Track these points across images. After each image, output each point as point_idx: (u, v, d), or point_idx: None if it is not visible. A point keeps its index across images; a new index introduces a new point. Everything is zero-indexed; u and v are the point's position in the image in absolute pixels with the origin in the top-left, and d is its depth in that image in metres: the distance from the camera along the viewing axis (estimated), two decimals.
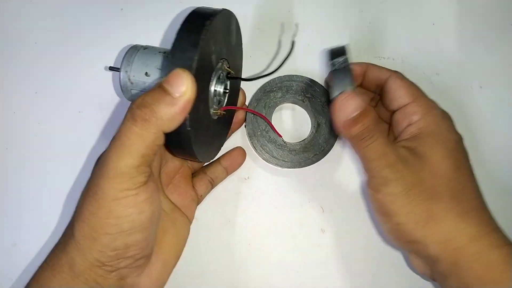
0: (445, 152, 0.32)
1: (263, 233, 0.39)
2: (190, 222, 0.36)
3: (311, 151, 0.40)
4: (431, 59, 0.44)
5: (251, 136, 0.40)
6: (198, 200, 0.38)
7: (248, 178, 0.40)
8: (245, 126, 0.41)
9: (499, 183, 0.41)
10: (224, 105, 0.36)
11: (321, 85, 0.41)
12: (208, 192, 0.39)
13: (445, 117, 0.35)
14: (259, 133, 0.40)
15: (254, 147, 0.40)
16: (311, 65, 0.43)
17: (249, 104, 0.41)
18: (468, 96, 0.43)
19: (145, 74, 0.33)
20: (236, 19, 0.35)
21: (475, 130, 0.42)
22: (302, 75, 0.41)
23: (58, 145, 0.41)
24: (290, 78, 0.41)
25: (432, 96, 0.43)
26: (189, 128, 0.28)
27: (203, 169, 0.39)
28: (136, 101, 0.27)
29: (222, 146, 0.39)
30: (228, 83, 0.35)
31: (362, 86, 0.39)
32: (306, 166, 0.40)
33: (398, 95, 0.35)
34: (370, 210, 0.40)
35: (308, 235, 0.39)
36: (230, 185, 0.40)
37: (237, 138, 0.41)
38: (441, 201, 0.31)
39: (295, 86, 0.41)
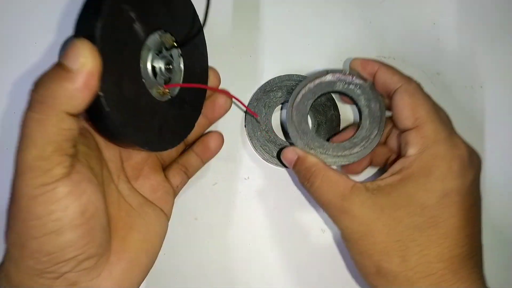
0: (417, 208, 0.28)
1: (263, 233, 0.39)
2: (167, 216, 0.33)
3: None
4: (431, 59, 0.44)
5: (251, 136, 0.40)
6: (174, 192, 0.35)
7: (248, 178, 0.40)
8: (245, 126, 0.41)
9: (499, 184, 0.41)
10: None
11: None
12: (184, 183, 0.36)
13: (448, 156, 0.29)
14: (259, 133, 0.40)
15: (254, 147, 0.40)
16: (311, 65, 0.43)
17: (249, 103, 0.41)
18: (468, 96, 0.43)
19: None
20: None
21: (476, 130, 0.42)
22: (302, 74, 0.41)
23: None
24: (290, 77, 0.41)
25: (433, 95, 0.43)
26: (107, 109, 0.24)
27: (176, 159, 0.37)
28: (33, 84, 0.23)
29: (188, 133, 0.34)
30: (180, 60, 0.32)
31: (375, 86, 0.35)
32: None
33: (402, 117, 0.31)
34: None
35: (308, 235, 0.39)
36: (230, 185, 0.40)
37: (237, 138, 0.41)
38: (391, 261, 0.29)
39: (295, 86, 0.41)
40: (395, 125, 0.33)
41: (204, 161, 0.38)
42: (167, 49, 0.30)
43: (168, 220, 0.34)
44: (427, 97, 0.32)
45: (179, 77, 0.32)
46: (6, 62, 0.43)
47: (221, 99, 0.37)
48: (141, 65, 0.28)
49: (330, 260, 0.39)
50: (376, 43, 0.44)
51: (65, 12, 0.45)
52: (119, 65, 0.25)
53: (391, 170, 0.31)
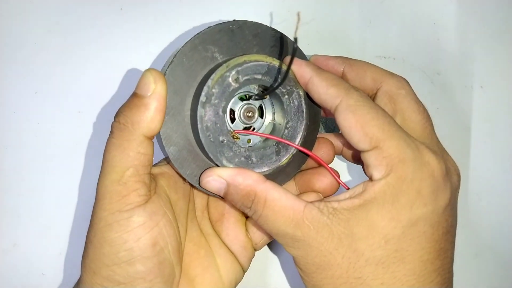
0: (381, 240, 0.24)
1: None
2: (243, 270, 0.31)
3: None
4: (432, 59, 0.44)
5: None
6: (254, 247, 0.32)
7: None
8: None
9: (498, 183, 0.41)
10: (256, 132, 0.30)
11: None
12: (266, 241, 0.32)
13: (417, 177, 0.24)
14: None
15: None
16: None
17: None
18: (469, 96, 0.43)
19: None
20: (276, 31, 0.30)
21: (476, 130, 0.42)
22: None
23: (58, 145, 0.41)
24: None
25: (433, 96, 0.43)
26: (162, 139, 0.26)
27: None
28: (115, 116, 0.26)
29: None
30: (274, 112, 0.31)
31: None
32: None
33: (353, 140, 0.26)
34: None
35: None
36: None
37: None
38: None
39: None
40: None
41: None
42: (256, 98, 0.29)
43: (244, 273, 0.31)
44: (376, 108, 0.26)
45: (267, 131, 0.31)
46: (6, 62, 0.43)
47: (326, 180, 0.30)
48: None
49: None
50: (376, 43, 0.44)
51: (65, 12, 0.45)
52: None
53: (351, 191, 0.26)
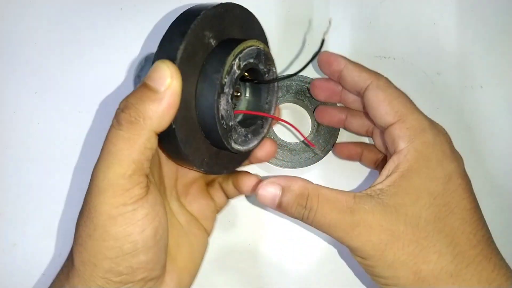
0: (430, 199, 0.27)
1: (263, 234, 0.39)
2: (209, 235, 0.33)
3: (311, 151, 0.40)
4: (432, 59, 0.44)
5: None
6: (217, 211, 0.34)
7: None
8: None
9: (499, 184, 0.41)
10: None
11: None
12: (226, 204, 0.35)
13: (438, 141, 0.29)
14: None
15: None
16: (311, 64, 0.43)
17: None
18: (469, 96, 0.43)
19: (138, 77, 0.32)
20: (250, 13, 0.32)
21: (476, 130, 0.42)
22: (302, 74, 0.41)
23: (58, 145, 0.41)
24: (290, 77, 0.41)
25: (433, 95, 0.43)
26: (174, 126, 0.25)
27: (218, 181, 0.35)
28: (120, 104, 0.24)
29: (243, 161, 0.33)
30: (247, 88, 0.32)
31: (341, 85, 0.34)
32: (306, 166, 0.39)
33: (380, 113, 0.30)
34: None
35: (308, 235, 0.39)
36: None
37: None
38: (429, 260, 0.26)
39: (295, 86, 0.41)
40: (374, 124, 0.32)
41: (239, 194, 0.35)
42: (241, 79, 0.30)
43: (209, 238, 0.33)
44: (399, 91, 0.31)
45: (244, 106, 0.32)
46: (6, 62, 0.43)
47: (267, 144, 0.33)
48: None
49: (330, 260, 0.39)
50: (376, 43, 0.44)
51: (65, 12, 0.45)
52: (188, 85, 0.26)
53: (385, 171, 0.29)
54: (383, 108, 0.30)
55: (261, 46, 0.29)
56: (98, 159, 0.24)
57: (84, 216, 0.24)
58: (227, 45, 0.28)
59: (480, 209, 0.29)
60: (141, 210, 0.24)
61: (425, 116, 0.30)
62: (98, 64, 0.43)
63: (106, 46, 0.44)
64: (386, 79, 0.31)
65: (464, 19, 0.45)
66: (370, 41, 0.44)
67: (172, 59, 0.25)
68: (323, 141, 0.40)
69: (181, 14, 0.28)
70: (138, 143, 0.23)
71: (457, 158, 0.29)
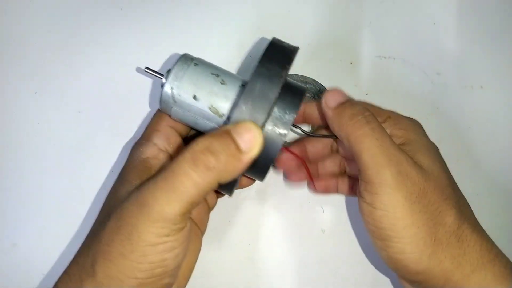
0: (438, 162, 0.28)
1: (263, 233, 0.39)
2: (203, 234, 0.34)
3: None
4: (432, 59, 0.44)
5: None
6: (210, 210, 0.35)
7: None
8: None
9: (498, 184, 0.41)
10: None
11: (322, 85, 0.41)
12: (216, 203, 0.36)
13: (417, 124, 0.31)
14: None
15: None
16: (311, 64, 0.43)
17: None
18: (469, 96, 0.43)
19: (193, 97, 0.30)
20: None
21: (476, 130, 0.42)
22: (302, 74, 0.41)
23: (57, 145, 0.41)
24: (290, 77, 0.41)
25: (433, 95, 0.43)
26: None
27: None
28: (200, 143, 0.24)
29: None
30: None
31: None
32: None
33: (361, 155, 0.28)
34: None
35: (308, 235, 0.39)
36: None
37: None
38: (445, 222, 0.26)
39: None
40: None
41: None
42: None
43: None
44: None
45: None
46: (6, 62, 0.43)
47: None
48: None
49: (330, 260, 0.39)
50: (376, 43, 0.44)
51: (65, 12, 0.45)
52: None
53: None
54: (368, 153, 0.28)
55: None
56: (157, 187, 0.24)
57: (121, 235, 0.24)
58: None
59: (456, 189, 0.30)
60: (180, 240, 0.25)
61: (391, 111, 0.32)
62: (98, 64, 0.43)
63: (106, 46, 0.44)
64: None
65: (464, 19, 0.45)
66: (370, 41, 0.44)
67: (260, 124, 0.26)
68: None
69: (267, 56, 0.29)
70: (204, 189, 0.24)
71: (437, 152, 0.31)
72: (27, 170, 0.41)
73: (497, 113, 0.43)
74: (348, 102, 0.29)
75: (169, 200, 0.24)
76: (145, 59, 0.43)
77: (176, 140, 0.32)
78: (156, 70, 0.32)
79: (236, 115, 0.27)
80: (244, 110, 0.27)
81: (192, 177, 0.24)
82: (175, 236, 0.25)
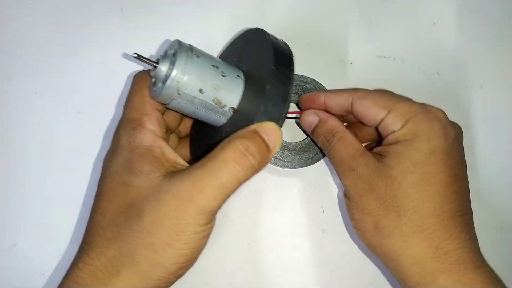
0: (409, 165, 0.30)
1: (263, 233, 0.39)
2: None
3: (311, 151, 0.40)
4: (432, 59, 0.44)
5: None
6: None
7: None
8: None
9: (499, 184, 0.41)
10: None
11: (322, 85, 0.41)
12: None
13: (428, 123, 0.31)
14: None
15: None
16: (311, 64, 0.43)
17: None
18: (469, 96, 0.43)
19: (199, 90, 0.30)
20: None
21: (476, 130, 0.42)
22: (302, 74, 0.41)
23: (57, 145, 0.41)
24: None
25: (433, 95, 0.43)
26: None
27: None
28: (240, 145, 0.28)
29: None
30: None
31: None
32: (306, 166, 0.39)
33: (371, 114, 0.33)
34: None
35: (308, 235, 0.39)
36: None
37: None
38: (388, 216, 0.30)
39: (295, 86, 0.41)
40: (366, 125, 0.35)
41: None
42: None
43: None
44: (380, 90, 0.35)
45: None
46: (6, 62, 0.43)
47: None
48: None
49: (330, 260, 0.39)
50: (376, 43, 0.44)
51: (65, 12, 0.45)
52: None
53: (383, 143, 0.33)
54: (372, 110, 0.33)
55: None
56: (204, 184, 0.27)
57: (165, 226, 0.27)
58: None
59: (459, 184, 0.31)
60: (211, 229, 0.29)
61: (414, 102, 0.33)
62: (98, 64, 0.43)
63: (106, 46, 0.44)
64: (364, 89, 0.35)
65: (464, 19, 0.45)
66: (370, 41, 0.44)
67: (278, 122, 0.30)
68: None
69: (277, 58, 0.31)
70: (241, 184, 0.28)
71: (447, 134, 0.31)
72: (27, 170, 0.41)
73: (497, 113, 0.43)
74: (317, 128, 0.35)
75: (216, 195, 0.27)
76: None
77: (163, 124, 0.32)
78: (146, 56, 0.31)
79: (259, 116, 0.30)
80: (266, 111, 0.30)
81: (238, 176, 0.27)
82: (212, 222, 0.28)
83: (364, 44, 0.44)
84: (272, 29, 0.44)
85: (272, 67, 0.30)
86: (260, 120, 0.29)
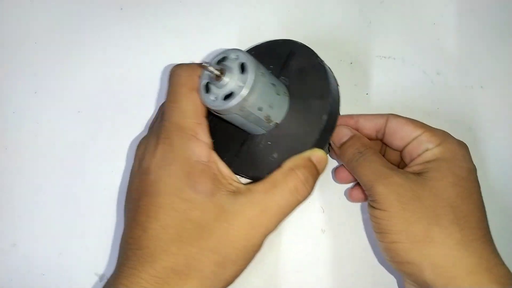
0: (454, 179, 0.31)
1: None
2: None
3: None
4: (432, 59, 0.44)
5: None
6: None
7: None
8: None
9: (499, 184, 0.41)
10: None
11: None
12: None
13: (461, 146, 0.33)
14: None
15: None
16: None
17: None
18: (469, 96, 0.43)
19: (258, 108, 0.30)
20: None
21: (476, 130, 0.42)
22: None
23: (57, 145, 0.41)
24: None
25: (433, 95, 0.43)
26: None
27: None
28: (303, 174, 0.30)
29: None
30: None
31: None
32: None
33: (406, 130, 0.34)
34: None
35: (308, 235, 0.39)
36: None
37: None
38: (440, 224, 0.29)
39: None
40: (395, 147, 0.35)
41: None
42: None
43: None
44: (406, 118, 0.36)
45: None
46: (6, 62, 0.43)
47: None
48: None
49: (330, 260, 0.39)
50: (376, 43, 0.44)
51: (65, 12, 0.45)
52: None
53: (417, 161, 0.33)
54: (407, 128, 0.34)
55: None
56: (273, 211, 0.30)
57: (236, 247, 0.29)
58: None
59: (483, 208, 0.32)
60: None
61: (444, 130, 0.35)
62: (98, 64, 0.43)
63: (106, 46, 0.44)
64: (393, 114, 0.36)
65: (464, 19, 0.45)
66: (370, 41, 0.44)
67: (324, 149, 0.33)
68: None
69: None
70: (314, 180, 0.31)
71: (471, 160, 0.33)
72: (27, 170, 0.41)
73: (497, 113, 0.43)
74: (349, 141, 0.35)
75: (279, 221, 0.30)
76: (145, 59, 0.43)
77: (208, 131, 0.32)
78: (212, 64, 0.29)
79: (313, 145, 0.32)
80: (320, 140, 0.32)
81: (297, 204, 0.31)
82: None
83: (364, 44, 0.44)
84: (272, 29, 0.44)
85: (330, 100, 0.32)
86: (312, 147, 0.31)
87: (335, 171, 0.39)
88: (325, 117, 0.32)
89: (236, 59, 0.30)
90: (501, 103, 0.43)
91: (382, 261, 0.39)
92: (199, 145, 0.30)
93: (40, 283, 0.38)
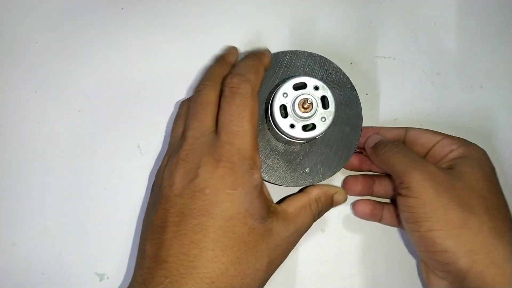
0: (483, 174, 0.33)
1: None
2: None
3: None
4: (432, 59, 0.44)
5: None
6: None
7: None
8: None
9: (499, 183, 0.41)
10: None
11: None
12: None
13: (481, 148, 0.35)
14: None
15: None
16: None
17: None
18: (469, 96, 0.43)
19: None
20: None
21: (476, 130, 0.42)
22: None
23: (58, 144, 0.41)
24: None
25: (433, 95, 0.43)
26: None
27: None
28: (322, 208, 0.35)
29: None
30: None
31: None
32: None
33: (427, 137, 0.36)
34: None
35: (308, 235, 0.39)
36: None
37: None
38: (475, 213, 0.30)
39: None
40: (417, 153, 0.37)
41: None
42: None
43: None
44: (427, 129, 0.38)
45: None
46: (6, 62, 0.43)
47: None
48: None
49: (330, 260, 0.39)
50: (376, 43, 0.44)
51: (65, 12, 0.45)
52: None
53: (444, 160, 0.35)
54: (427, 135, 0.36)
55: None
56: (299, 233, 0.34)
57: (277, 265, 0.33)
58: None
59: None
60: None
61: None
62: (98, 64, 0.43)
63: (106, 46, 0.44)
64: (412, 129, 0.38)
65: (464, 19, 0.45)
66: (370, 41, 0.44)
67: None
68: None
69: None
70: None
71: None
72: (27, 170, 0.41)
73: (497, 113, 0.43)
74: (382, 140, 0.37)
75: (312, 189, 0.36)
76: (145, 59, 0.43)
77: None
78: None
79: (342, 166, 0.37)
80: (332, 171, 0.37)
81: (310, 224, 0.35)
82: None
83: (364, 44, 0.44)
84: (272, 29, 0.44)
85: (356, 143, 0.37)
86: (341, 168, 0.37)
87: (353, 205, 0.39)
88: (356, 145, 0.37)
89: (316, 89, 0.33)
90: (501, 103, 0.43)
91: (381, 261, 0.39)
92: (257, 172, 0.32)
93: (40, 283, 0.38)
